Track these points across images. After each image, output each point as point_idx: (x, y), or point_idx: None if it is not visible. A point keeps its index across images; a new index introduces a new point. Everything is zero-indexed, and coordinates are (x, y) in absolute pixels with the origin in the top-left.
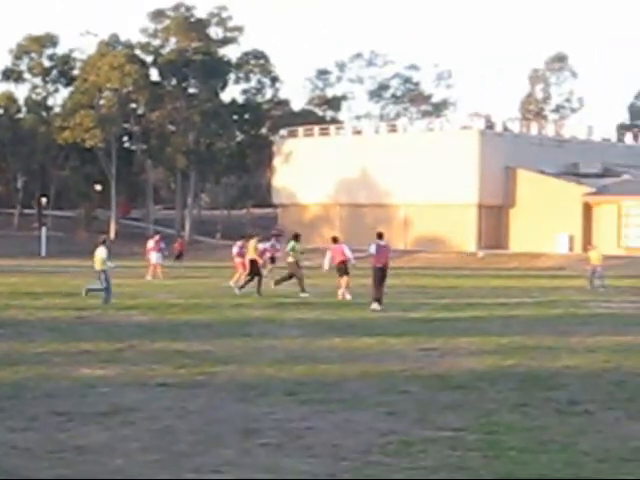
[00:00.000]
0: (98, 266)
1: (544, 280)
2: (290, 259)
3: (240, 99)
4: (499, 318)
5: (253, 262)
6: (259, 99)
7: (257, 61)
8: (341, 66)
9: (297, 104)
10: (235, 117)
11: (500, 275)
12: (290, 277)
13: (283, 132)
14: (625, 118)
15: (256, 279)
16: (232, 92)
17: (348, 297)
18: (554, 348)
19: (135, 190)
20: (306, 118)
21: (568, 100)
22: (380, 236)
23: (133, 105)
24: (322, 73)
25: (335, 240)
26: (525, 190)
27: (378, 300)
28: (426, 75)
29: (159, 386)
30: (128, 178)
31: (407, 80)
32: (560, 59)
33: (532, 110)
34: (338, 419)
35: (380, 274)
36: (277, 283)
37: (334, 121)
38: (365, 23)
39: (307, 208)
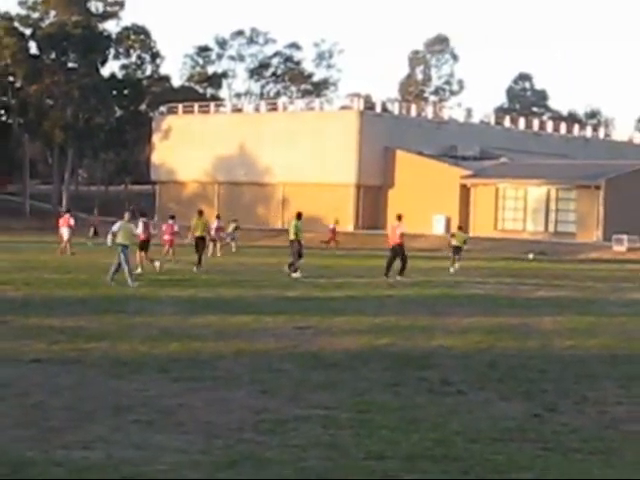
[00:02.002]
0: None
1: (421, 261)
2: (292, 237)
3: (120, 74)
4: (375, 298)
5: (200, 239)
6: (139, 75)
7: (137, 36)
8: (222, 43)
9: (177, 81)
10: (114, 92)
11: (377, 255)
12: (300, 255)
13: (162, 108)
14: (504, 101)
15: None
16: (112, 67)
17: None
18: (428, 328)
19: (11, 164)
20: (186, 95)
21: (448, 82)
22: (399, 218)
23: (10, 78)
24: (203, 50)
25: (399, 218)
26: (404, 171)
27: (402, 272)
28: (307, 54)
29: (32, 362)
30: (4, 152)
31: (288, 59)
32: (441, 41)
33: (412, 92)
34: (211, 396)
35: (396, 250)
36: (290, 267)
37: (214, 98)
38: (247, 0)
39: (186, 185)
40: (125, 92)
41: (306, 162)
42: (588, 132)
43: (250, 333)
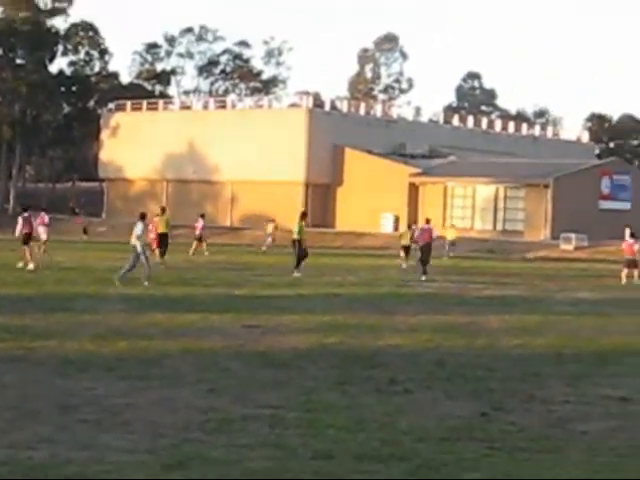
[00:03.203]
0: (133, 241)
1: (369, 259)
2: (295, 236)
3: (68, 71)
4: (323, 296)
5: (162, 236)
6: (87, 71)
7: (86, 33)
8: (171, 41)
9: (126, 78)
10: (62, 89)
11: (325, 254)
12: (306, 254)
13: (111, 105)
14: (453, 100)
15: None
16: (60, 64)
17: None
18: (376, 327)
19: None
20: (135, 92)
21: (397, 81)
22: (427, 221)
23: None
24: (151, 47)
25: (428, 221)
26: (353, 169)
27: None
28: (256, 52)
29: None
30: None
31: (237, 56)
32: (390, 40)
33: (361, 90)
34: (158, 396)
35: (425, 249)
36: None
37: (163, 96)
38: None
39: (134, 183)
40: (73, 89)
41: (255, 160)
42: (536, 131)
43: (198, 332)
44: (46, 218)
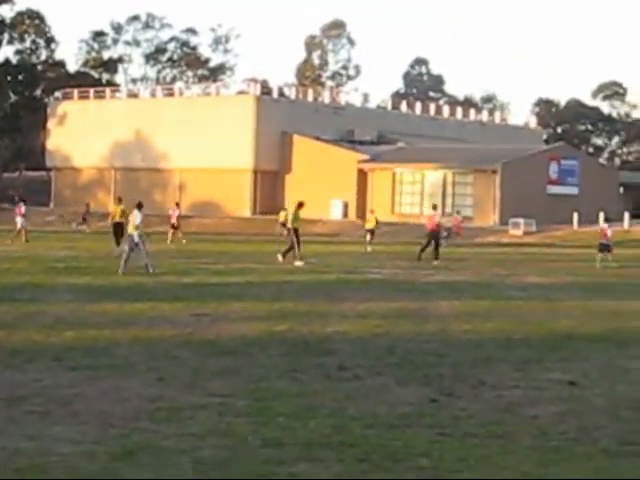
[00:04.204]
0: (130, 230)
1: (318, 246)
2: (290, 225)
3: (14, 60)
4: (272, 284)
5: (117, 225)
6: (34, 60)
7: (32, 21)
8: (117, 28)
9: (73, 66)
10: (9, 78)
11: (275, 240)
12: (298, 244)
13: (58, 94)
14: (400, 86)
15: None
16: (6, 52)
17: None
18: (326, 314)
19: None
20: (82, 80)
21: (345, 67)
22: (435, 207)
23: None
24: (98, 35)
25: (434, 207)
26: (301, 156)
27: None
28: (203, 39)
29: None
30: None
31: (184, 44)
32: (337, 26)
33: (309, 77)
34: (107, 385)
35: (432, 236)
36: (284, 255)
37: (110, 84)
38: None
39: (81, 171)
40: (20, 77)
41: (203, 147)
42: (484, 117)
43: (146, 320)
44: (23, 208)
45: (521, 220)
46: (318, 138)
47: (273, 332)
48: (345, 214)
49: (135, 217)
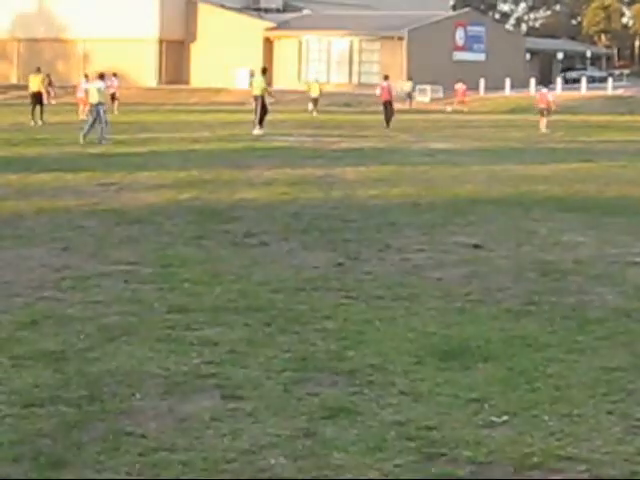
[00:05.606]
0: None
1: (224, 115)
2: (256, 92)
3: None
4: (178, 153)
5: (36, 95)
6: None
7: None
8: None
9: None
10: None
11: (181, 110)
12: (266, 111)
13: None
14: None
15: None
16: None
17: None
18: (232, 182)
19: None
20: None
21: None
22: (386, 78)
23: None
24: None
25: (386, 78)
26: (206, 25)
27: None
28: None
29: None
30: None
31: None
32: None
33: None
34: (11, 256)
35: (386, 106)
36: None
37: None
38: None
39: None
40: None
41: (107, 17)
42: None
43: (51, 191)
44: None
45: (428, 87)
46: (223, 6)
47: (179, 200)
48: (251, 83)
49: (97, 87)
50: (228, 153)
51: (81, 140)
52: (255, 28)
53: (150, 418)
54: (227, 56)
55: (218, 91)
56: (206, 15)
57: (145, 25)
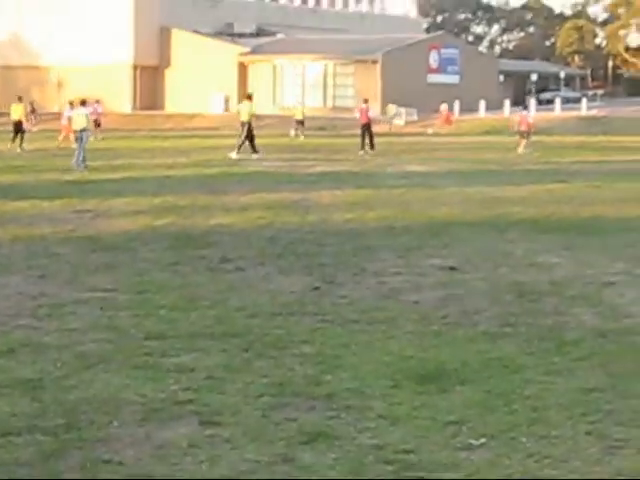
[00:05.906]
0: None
1: (199, 140)
2: (244, 118)
3: None
4: (154, 179)
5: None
6: None
7: None
8: None
9: None
10: None
11: (156, 136)
12: (251, 138)
13: None
14: None
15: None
16: None
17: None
18: (208, 207)
19: None
20: None
21: None
22: (365, 101)
23: None
24: None
25: (365, 101)
26: (180, 50)
27: (372, 147)
28: None
29: None
30: None
31: None
32: None
33: None
34: None
35: (364, 129)
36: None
37: None
38: None
39: None
40: None
41: (80, 43)
42: (364, 7)
43: (27, 219)
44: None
45: (403, 110)
46: (197, 32)
47: (155, 226)
48: (226, 108)
49: (81, 114)
50: (204, 178)
51: (79, 168)
52: (229, 53)
53: (127, 445)
54: (202, 81)
55: (193, 116)
56: (180, 40)
57: (119, 51)
